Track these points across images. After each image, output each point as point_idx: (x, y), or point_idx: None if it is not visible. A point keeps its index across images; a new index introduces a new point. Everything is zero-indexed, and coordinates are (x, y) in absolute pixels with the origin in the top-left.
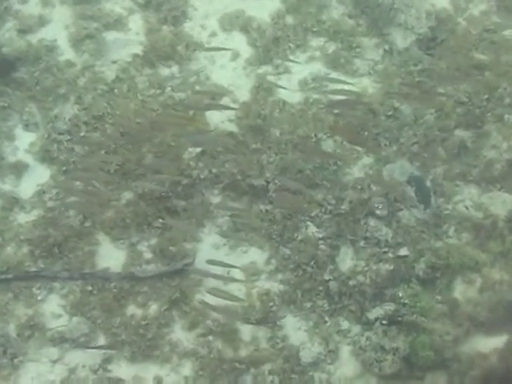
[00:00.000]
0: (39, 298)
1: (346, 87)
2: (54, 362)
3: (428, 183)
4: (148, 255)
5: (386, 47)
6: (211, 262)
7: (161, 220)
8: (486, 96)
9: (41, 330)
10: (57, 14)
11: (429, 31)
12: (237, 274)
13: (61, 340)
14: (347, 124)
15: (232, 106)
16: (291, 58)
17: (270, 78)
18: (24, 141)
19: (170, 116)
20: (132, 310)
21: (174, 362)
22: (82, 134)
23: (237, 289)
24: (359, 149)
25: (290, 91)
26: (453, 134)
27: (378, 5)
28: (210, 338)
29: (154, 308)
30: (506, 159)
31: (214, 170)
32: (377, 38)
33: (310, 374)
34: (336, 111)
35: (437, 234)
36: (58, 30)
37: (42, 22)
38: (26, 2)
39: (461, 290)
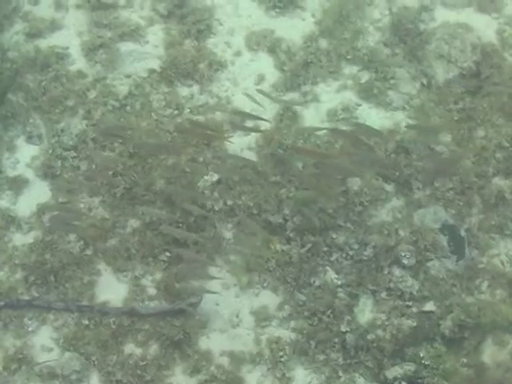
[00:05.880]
0: (30, 328)
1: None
2: None
3: (462, 233)
4: (152, 291)
5: (424, 81)
6: None
7: (168, 253)
8: None
9: (29, 363)
10: (70, 19)
11: (473, 66)
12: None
13: (50, 376)
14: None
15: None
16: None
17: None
18: (26, 154)
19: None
20: (131, 348)
21: None
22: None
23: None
24: (388, 188)
25: (317, 121)
26: (491, 181)
27: (419, 33)
28: None
29: (154, 348)
30: None
31: (229, 202)
32: (414, 70)
33: None
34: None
35: (469, 289)
36: (70, 37)
37: (54, 26)
38: (38, 3)
39: (490, 353)
